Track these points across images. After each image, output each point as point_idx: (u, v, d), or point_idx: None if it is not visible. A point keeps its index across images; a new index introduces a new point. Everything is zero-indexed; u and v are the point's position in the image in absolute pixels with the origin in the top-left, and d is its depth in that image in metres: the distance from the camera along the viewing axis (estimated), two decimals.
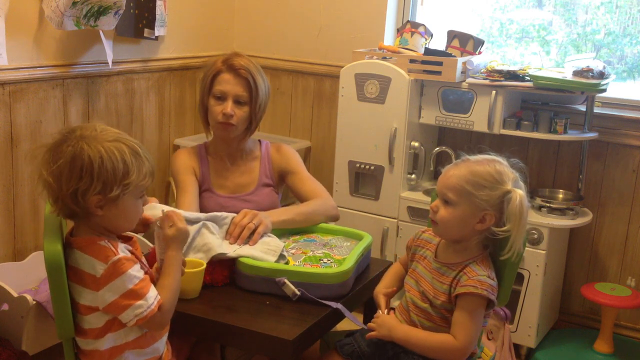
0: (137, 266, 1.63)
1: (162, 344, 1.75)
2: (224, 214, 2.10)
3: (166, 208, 1.96)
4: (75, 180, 1.57)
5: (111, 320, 1.64)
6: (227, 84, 2.31)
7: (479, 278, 1.77)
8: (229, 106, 2.29)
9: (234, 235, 2.06)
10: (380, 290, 2.00)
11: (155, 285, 1.68)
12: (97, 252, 1.60)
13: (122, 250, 1.63)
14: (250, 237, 2.06)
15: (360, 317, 2.26)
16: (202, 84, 2.37)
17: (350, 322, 1.94)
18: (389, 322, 1.85)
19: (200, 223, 2.01)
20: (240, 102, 2.31)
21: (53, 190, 1.59)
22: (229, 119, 2.29)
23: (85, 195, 1.58)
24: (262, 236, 2.08)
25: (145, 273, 1.68)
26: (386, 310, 1.94)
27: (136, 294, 1.60)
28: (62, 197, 1.58)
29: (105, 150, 1.58)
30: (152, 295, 1.62)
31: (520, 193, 1.77)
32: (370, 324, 1.87)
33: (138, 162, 1.63)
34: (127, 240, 1.74)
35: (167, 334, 1.77)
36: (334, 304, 1.87)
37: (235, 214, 2.11)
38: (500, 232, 1.79)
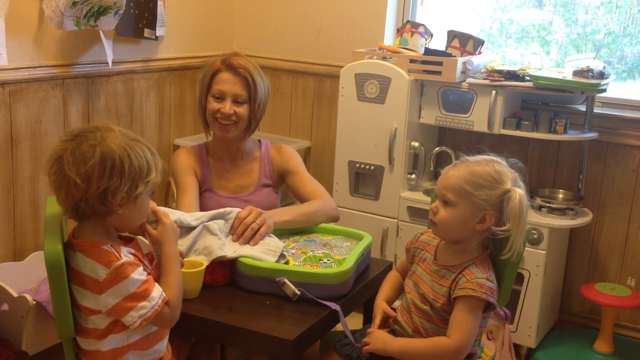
0: (140, 269, 1.63)
1: (163, 346, 1.75)
2: (228, 209, 2.10)
3: (177, 213, 1.97)
4: (106, 179, 1.57)
5: (114, 322, 1.64)
6: (226, 83, 2.31)
7: (478, 281, 1.77)
8: (227, 106, 2.29)
9: (238, 232, 2.06)
10: (380, 304, 1.98)
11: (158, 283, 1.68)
12: (100, 257, 1.60)
13: (124, 255, 1.63)
14: (252, 237, 2.06)
15: (360, 317, 2.27)
16: (200, 84, 2.37)
17: (350, 323, 1.94)
18: (384, 336, 1.86)
19: (201, 226, 2.02)
20: (239, 102, 2.31)
21: (79, 190, 1.57)
22: (229, 118, 2.29)
23: (115, 194, 1.59)
24: (263, 237, 2.08)
25: (148, 274, 1.68)
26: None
27: (139, 296, 1.60)
28: (89, 198, 1.58)
29: (130, 148, 1.61)
30: (157, 295, 1.63)
31: (519, 192, 1.77)
32: (365, 339, 1.87)
33: (155, 160, 1.66)
34: (128, 241, 1.74)
35: (167, 335, 1.77)
36: (333, 305, 1.87)
37: (239, 209, 2.11)
38: (500, 231, 1.79)
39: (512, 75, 3.01)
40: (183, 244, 1.96)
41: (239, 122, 2.32)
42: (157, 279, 1.70)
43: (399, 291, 2.02)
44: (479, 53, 3.19)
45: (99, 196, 1.58)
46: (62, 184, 1.60)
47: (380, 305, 1.98)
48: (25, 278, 2.77)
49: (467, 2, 3.53)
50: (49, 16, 2.70)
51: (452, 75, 3.02)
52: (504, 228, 1.78)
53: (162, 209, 1.83)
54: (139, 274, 1.62)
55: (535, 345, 3.04)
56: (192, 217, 2.04)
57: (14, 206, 2.82)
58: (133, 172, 1.60)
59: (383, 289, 2.03)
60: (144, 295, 1.60)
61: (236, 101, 2.31)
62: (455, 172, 1.81)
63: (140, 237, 1.80)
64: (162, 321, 1.67)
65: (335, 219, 2.37)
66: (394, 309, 1.99)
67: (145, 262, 1.73)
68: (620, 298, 2.95)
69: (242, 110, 2.31)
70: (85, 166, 1.57)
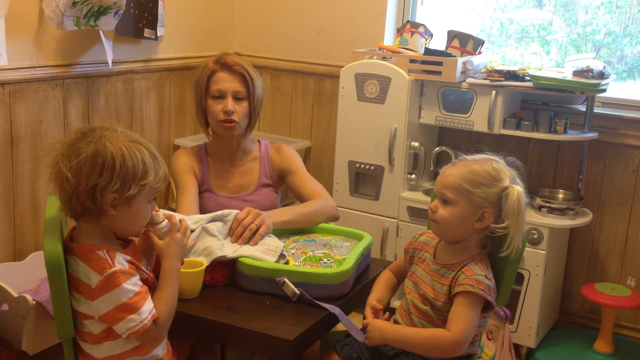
0: (135, 278, 1.62)
1: (161, 349, 1.74)
2: (226, 211, 2.10)
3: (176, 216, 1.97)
4: (96, 175, 1.57)
5: (108, 329, 1.63)
6: (224, 81, 2.31)
7: (477, 277, 1.77)
8: (229, 103, 2.30)
9: (236, 234, 2.06)
10: (370, 302, 1.97)
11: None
12: (93, 262, 1.59)
13: (119, 262, 1.61)
14: (251, 237, 2.06)
15: (360, 317, 2.26)
16: (196, 87, 2.37)
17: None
18: (379, 326, 1.84)
19: (200, 227, 2.02)
20: (239, 98, 2.32)
21: (70, 185, 1.58)
22: (231, 115, 2.30)
23: (104, 192, 1.58)
24: (262, 237, 2.08)
25: (146, 280, 1.67)
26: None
27: (129, 308, 1.59)
28: (79, 193, 1.58)
29: (126, 149, 1.60)
30: (147, 310, 1.61)
31: (517, 189, 1.78)
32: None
33: (155, 164, 1.64)
34: (127, 243, 1.72)
35: (165, 337, 1.76)
36: (331, 308, 1.86)
37: (237, 211, 2.11)
38: (499, 229, 1.79)
39: (512, 75, 3.01)
40: None
41: (241, 120, 2.32)
42: (153, 286, 1.69)
43: (392, 291, 2.02)
44: (479, 53, 3.19)
45: (87, 192, 1.57)
46: (57, 176, 1.61)
47: (369, 302, 1.96)
48: (25, 278, 2.77)
49: (467, 2, 3.53)
50: (49, 16, 2.70)
51: (452, 75, 3.02)
52: (502, 225, 1.79)
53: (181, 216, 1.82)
54: (132, 284, 1.60)
55: (535, 345, 3.04)
56: (190, 220, 2.04)
57: (14, 206, 2.82)
58: (125, 171, 1.58)
59: (375, 289, 2.02)
60: (133, 308, 1.59)
61: (236, 98, 2.32)
62: (454, 171, 1.82)
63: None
64: (148, 338, 1.65)
65: (335, 219, 2.37)
66: (393, 309, 1.99)
67: (143, 268, 1.72)
68: (620, 298, 2.95)
69: (242, 109, 2.32)
70: (76, 160, 1.57)
